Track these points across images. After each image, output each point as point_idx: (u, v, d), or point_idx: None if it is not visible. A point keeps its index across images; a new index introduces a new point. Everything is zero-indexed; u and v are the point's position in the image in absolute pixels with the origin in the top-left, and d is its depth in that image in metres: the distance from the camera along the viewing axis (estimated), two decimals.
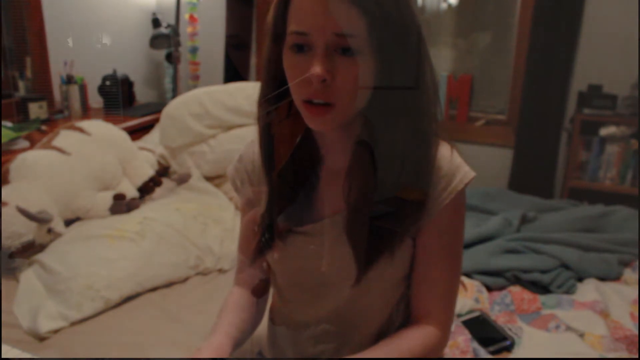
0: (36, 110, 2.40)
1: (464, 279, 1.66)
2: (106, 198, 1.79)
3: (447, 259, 0.80)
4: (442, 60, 2.98)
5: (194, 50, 3.17)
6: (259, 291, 0.94)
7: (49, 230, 1.59)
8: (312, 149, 0.79)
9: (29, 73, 2.51)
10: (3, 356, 0.88)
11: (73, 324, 1.34)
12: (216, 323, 0.85)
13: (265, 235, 0.82)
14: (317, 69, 0.64)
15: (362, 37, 0.64)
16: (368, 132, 0.71)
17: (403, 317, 0.86)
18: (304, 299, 0.85)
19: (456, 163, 0.77)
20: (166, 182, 2.19)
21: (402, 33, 0.67)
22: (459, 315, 1.47)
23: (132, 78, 3.02)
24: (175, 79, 3.13)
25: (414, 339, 0.79)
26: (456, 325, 1.41)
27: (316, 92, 0.66)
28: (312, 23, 0.65)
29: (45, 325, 1.30)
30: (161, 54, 3.20)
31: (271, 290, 0.96)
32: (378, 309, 0.83)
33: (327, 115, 0.68)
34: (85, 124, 1.92)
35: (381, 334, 0.84)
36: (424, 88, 0.71)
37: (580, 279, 1.68)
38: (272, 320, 0.95)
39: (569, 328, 1.42)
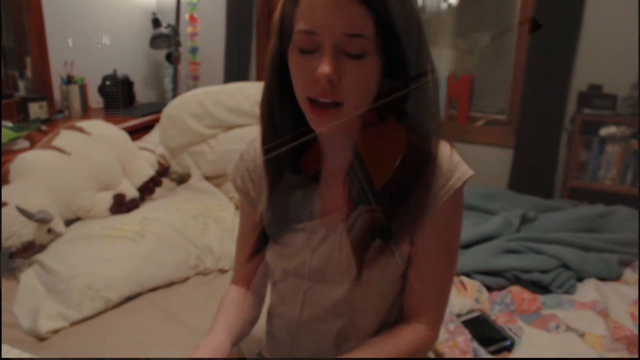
0: (36, 110, 2.40)
1: (463, 278, 1.66)
2: (106, 198, 1.79)
3: (443, 257, 0.80)
4: (442, 60, 2.98)
5: (194, 50, 3.17)
6: (257, 289, 0.94)
7: (49, 230, 1.58)
8: (313, 147, 0.79)
9: (29, 73, 2.51)
10: (3, 356, 0.88)
11: (73, 324, 1.34)
12: (214, 321, 0.85)
13: (265, 232, 0.82)
14: (325, 69, 0.65)
15: (370, 37, 0.65)
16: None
17: (399, 313, 0.86)
18: (302, 297, 0.85)
19: (455, 161, 0.77)
20: (166, 182, 2.19)
21: (407, 33, 0.68)
22: (459, 315, 1.47)
23: (132, 78, 3.03)
24: (175, 79, 3.13)
25: (403, 338, 0.79)
26: (456, 325, 1.41)
27: (323, 92, 0.67)
28: (322, 22, 0.65)
29: (45, 325, 1.30)
30: (161, 54, 3.20)
31: (269, 289, 0.96)
32: (376, 306, 0.83)
33: (332, 115, 0.68)
34: (85, 124, 1.92)
35: (379, 331, 0.84)
36: (425, 87, 0.72)
37: (580, 279, 1.68)
38: (270, 319, 0.95)
39: (569, 328, 1.42)
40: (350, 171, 0.75)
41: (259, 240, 0.85)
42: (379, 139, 0.73)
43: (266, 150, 0.79)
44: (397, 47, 0.67)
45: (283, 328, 0.91)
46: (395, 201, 0.73)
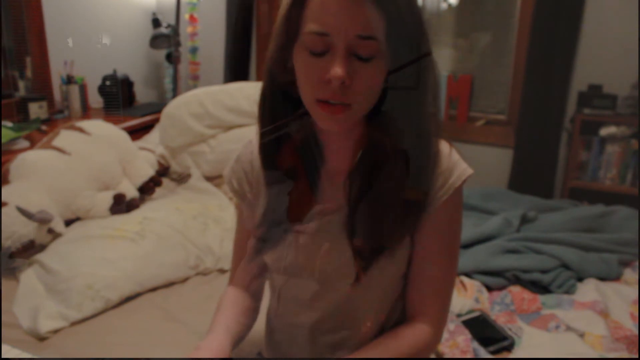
0: (36, 110, 2.40)
1: (463, 278, 1.66)
2: (106, 198, 1.79)
3: (444, 257, 0.80)
4: (442, 60, 2.98)
5: (194, 50, 3.17)
6: (255, 290, 0.94)
7: (49, 230, 1.58)
8: (315, 148, 0.79)
9: (29, 73, 2.51)
10: (3, 356, 0.88)
11: (73, 324, 1.34)
12: (213, 322, 0.85)
13: (264, 234, 0.82)
14: (338, 71, 0.64)
15: (380, 39, 0.65)
16: (372, 133, 0.72)
17: (400, 314, 0.86)
18: (302, 298, 0.84)
19: (454, 160, 0.77)
20: (166, 182, 2.19)
21: (413, 35, 0.68)
22: (459, 315, 1.47)
23: (132, 78, 3.02)
24: (175, 79, 3.13)
25: (404, 338, 0.79)
26: (456, 325, 1.41)
27: (334, 94, 0.66)
28: (335, 24, 0.64)
29: (45, 325, 1.30)
30: (161, 54, 3.19)
31: (268, 291, 0.96)
32: (377, 307, 0.83)
33: (342, 114, 0.68)
34: (85, 124, 1.92)
35: (380, 332, 0.84)
36: (426, 88, 0.72)
37: (580, 279, 1.68)
38: (270, 320, 0.95)
39: (569, 328, 1.42)
40: (351, 173, 0.75)
41: (259, 242, 0.85)
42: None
43: (264, 154, 0.79)
44: (404, 49, 0.67)
45: (284, 331, 0.91)
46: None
